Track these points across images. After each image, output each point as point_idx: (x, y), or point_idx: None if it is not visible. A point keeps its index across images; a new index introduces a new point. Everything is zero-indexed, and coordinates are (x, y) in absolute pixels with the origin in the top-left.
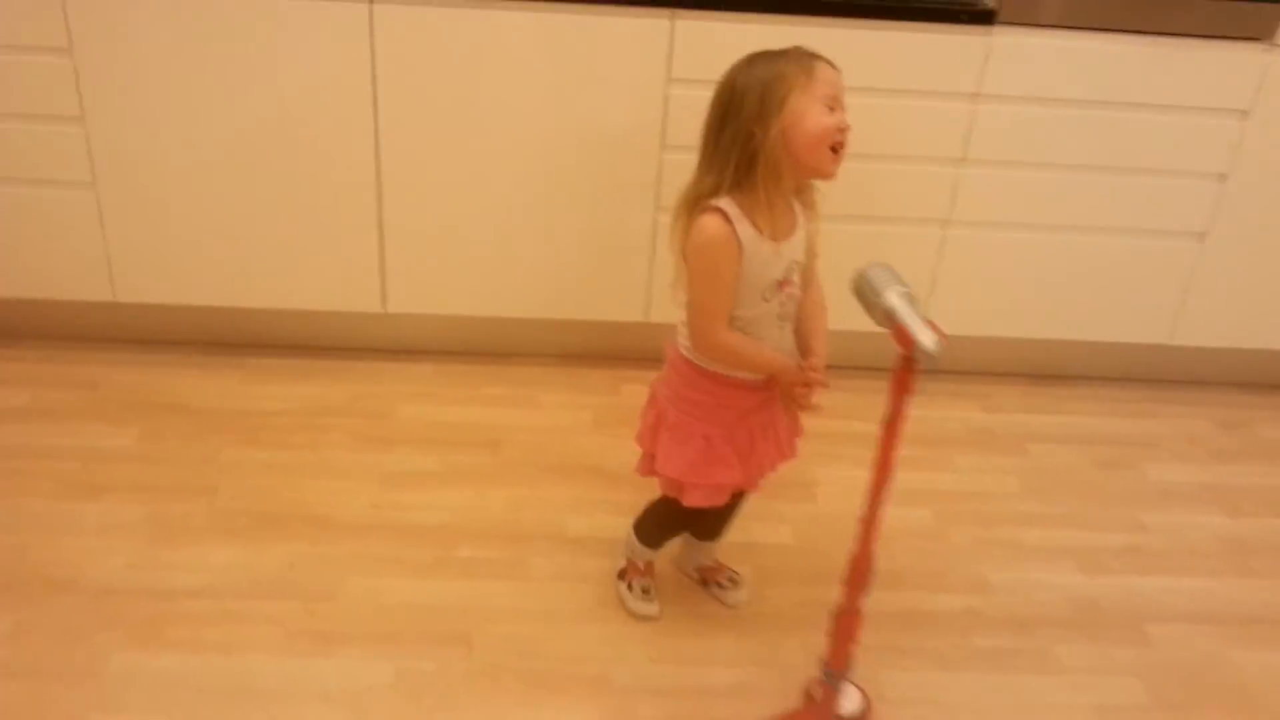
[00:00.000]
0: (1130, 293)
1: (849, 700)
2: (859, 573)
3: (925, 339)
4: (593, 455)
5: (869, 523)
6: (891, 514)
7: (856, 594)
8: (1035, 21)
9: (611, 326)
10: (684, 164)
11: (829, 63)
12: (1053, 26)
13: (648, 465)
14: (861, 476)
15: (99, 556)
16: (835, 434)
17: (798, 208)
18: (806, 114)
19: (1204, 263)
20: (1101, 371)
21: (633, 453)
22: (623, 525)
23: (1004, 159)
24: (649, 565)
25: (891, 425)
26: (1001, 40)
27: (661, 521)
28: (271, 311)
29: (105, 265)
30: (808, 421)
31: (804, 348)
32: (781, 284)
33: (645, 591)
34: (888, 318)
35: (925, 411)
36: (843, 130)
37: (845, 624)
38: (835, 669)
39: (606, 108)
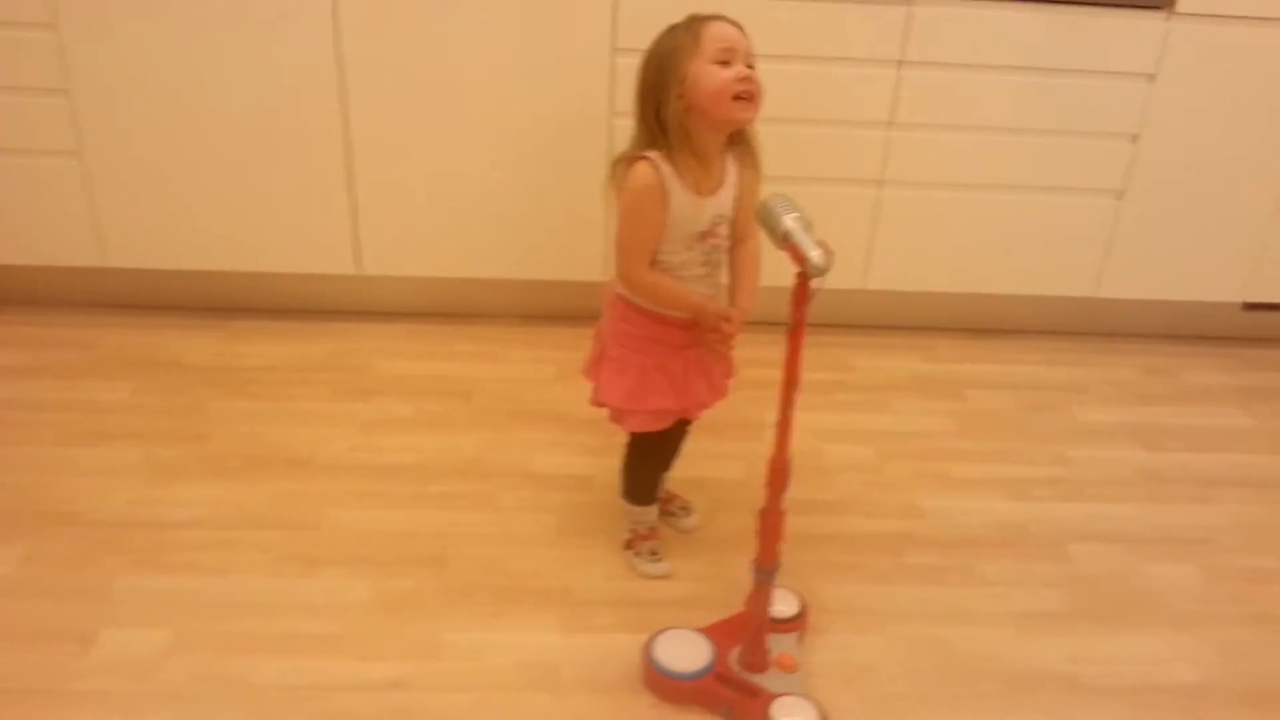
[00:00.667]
0: (1057, 248)
1: (787, 604)
2: (778, 474)
3: (814, 255)
4: (556, 403)
5: (783, 427)
6: (834, 452)
7: (777, 494)
8: None
9: (572, 286)
10: (631, 129)
11: (724, 19)
12: None
13: (596, 396)
14: (805, 419)
15: (100, 494)
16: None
17: (731, 164)
18: (701, 76)
19: (1123, 219)
20: (1035, 324)
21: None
22: (582, 464)
23: (931, 122)
24: (652, 529)
25: (794, 334)
26: (922, 10)
27: (634, 470)
28: (253, 275)
29: (94, 231)
30: (758, 372)
31: (730, 298)
32: (704, 235)
33: (653, 553)
34: (784, 239)
35: (870, 362)
36: (742, 79)
37: (769, 523)
38: (764, 565)
39: (559, 78)
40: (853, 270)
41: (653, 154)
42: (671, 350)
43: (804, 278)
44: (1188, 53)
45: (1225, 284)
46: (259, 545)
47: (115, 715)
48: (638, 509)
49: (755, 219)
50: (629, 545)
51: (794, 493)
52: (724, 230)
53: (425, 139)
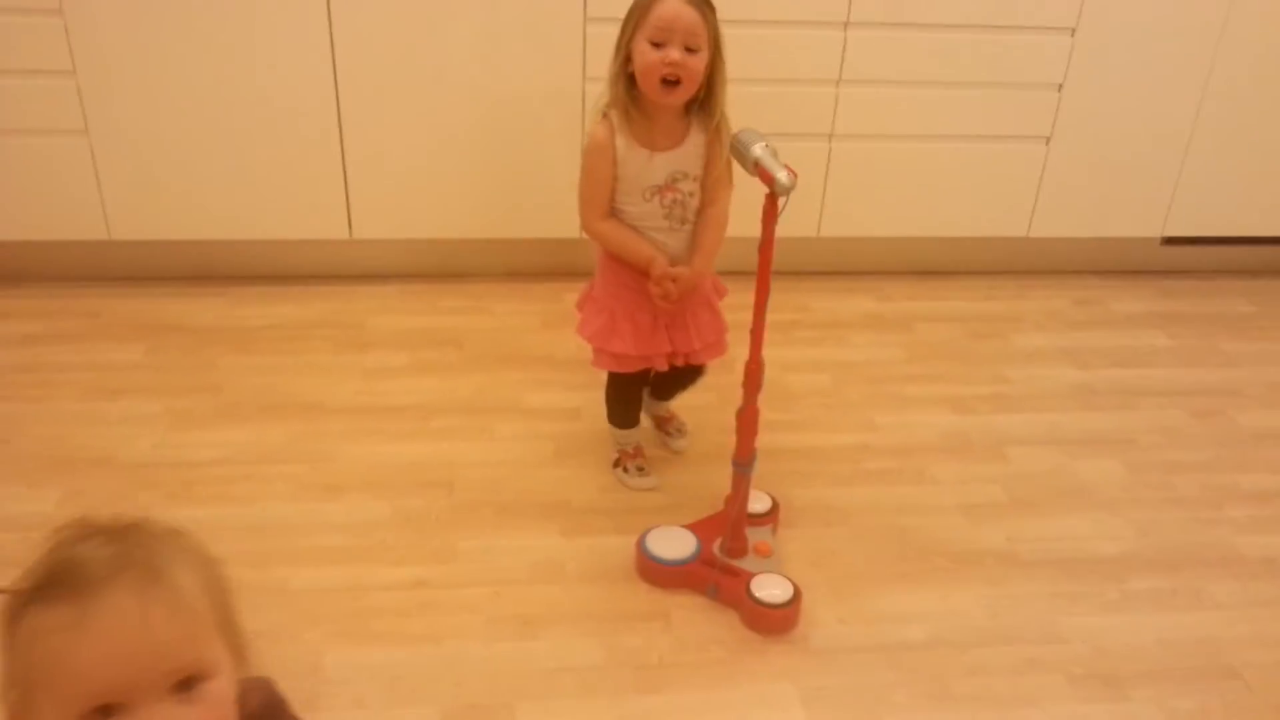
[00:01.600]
0: (992, 192)
1: (761, 502)
2: (753, 375)
3: (781, 175)
4: (542, 348)
5: (756, 333)
6: (796, 380)
7: (752, 394)
8: None
9: (550, 243)
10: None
11: (682, 1)
12: None
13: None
14: (769, 354)
15: (127, 441)
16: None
17: (696, 126)
18: (637, 50)
19: (1051, 163)
20: (976, 265)
21: (577, 344)
22: (570, 398)
23: (875, 79)
24: (637, 448)
25: (764, 248)
26: None
27: (610, 400)
28: (252, 242)
29: (100, 207)
30: (730, 316)
31: (688, 258)
32: (661, 189)
33: (640, 469)
34: (755, 165)
35: (826, 303)
36: (668, 64)
37: (746, 421)
38: (742, 460)
39: (535, 47)
40: (808, 219)
41: (612, 111)
42: (643, 301)
43: (772, 198)
44: (1104, 8)
45: (1145, 220)
46: (282, 477)
47: None
48: (620, 432)
49: (730, 152)
50: (616, 464)
51: (763, 414)
52: (686, 187)
53: (410, 111)
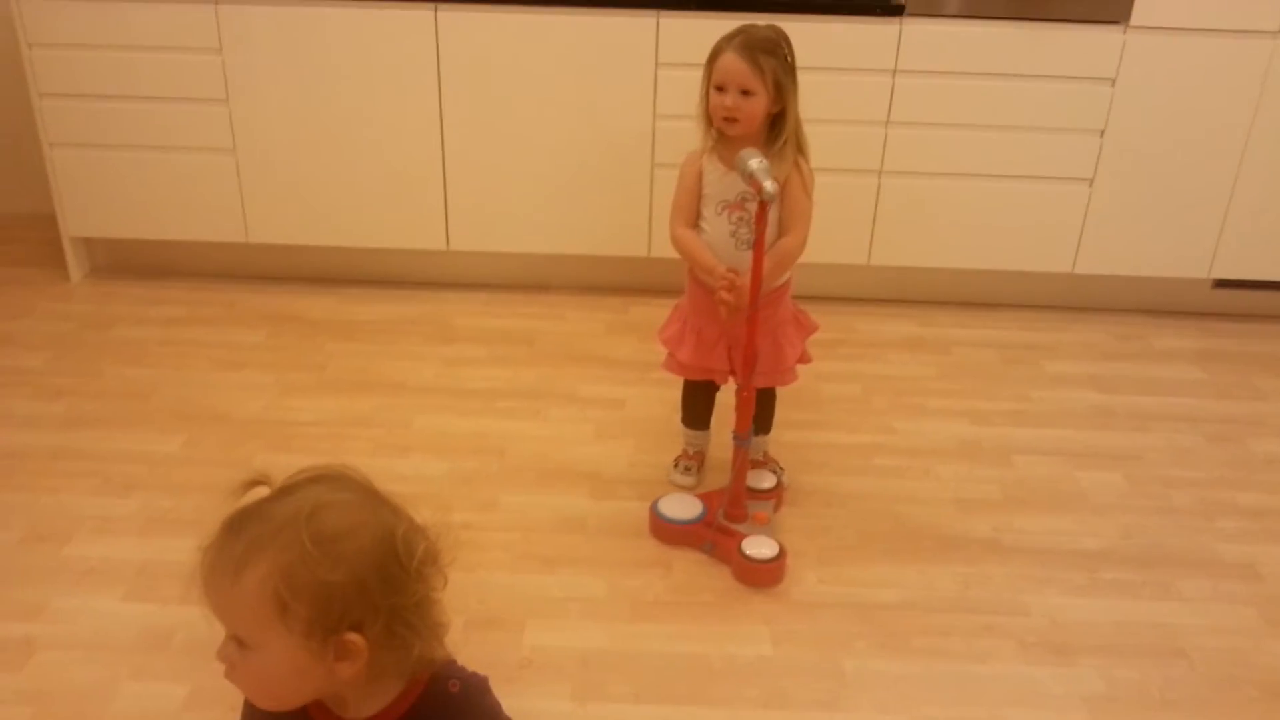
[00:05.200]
0: (1037, 229)
1: (766, 480)
2: (748, 359)
3: (768, 185)
4: (603, 350)
5: (751, 321)
6: (829, 388)
7: (748, 374)
8: (938, 13)
9: (622, 261)
10: (672, 129)
11: (733, 52)
12: (952, 16)
13: None
14: (807, 367)
15: (242, 403)
16: None
17: (772, 155)
18: (706, 95)
19: (1094, 203)
20: (1020, 299)
21: (634, 349)
22: (618, 391)
23: (922, 121)
24: (699, 453)
25: (758, 245)
26: (910, 28)
27: (682, 400)
28: (364, 250)
29: (240, 214)
30: None
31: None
32: (731, 206)
33: (687, 469)
34: (749, 176)
35: (871, 326)
36: (721, 108)
37: (744, 399)
38: (741, 434)
39: (613, 85)
40: (858, 249)
41: (708, 139)
42: (710, 318)
43: (763, 204)
44: (1142, 59)
45: (1192, 262)
46: (363, 437)
47: None
48: (687, 431)
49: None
50: (676, 461)
51: (787, 414)
52: (753, 209)
53: (503, 141)
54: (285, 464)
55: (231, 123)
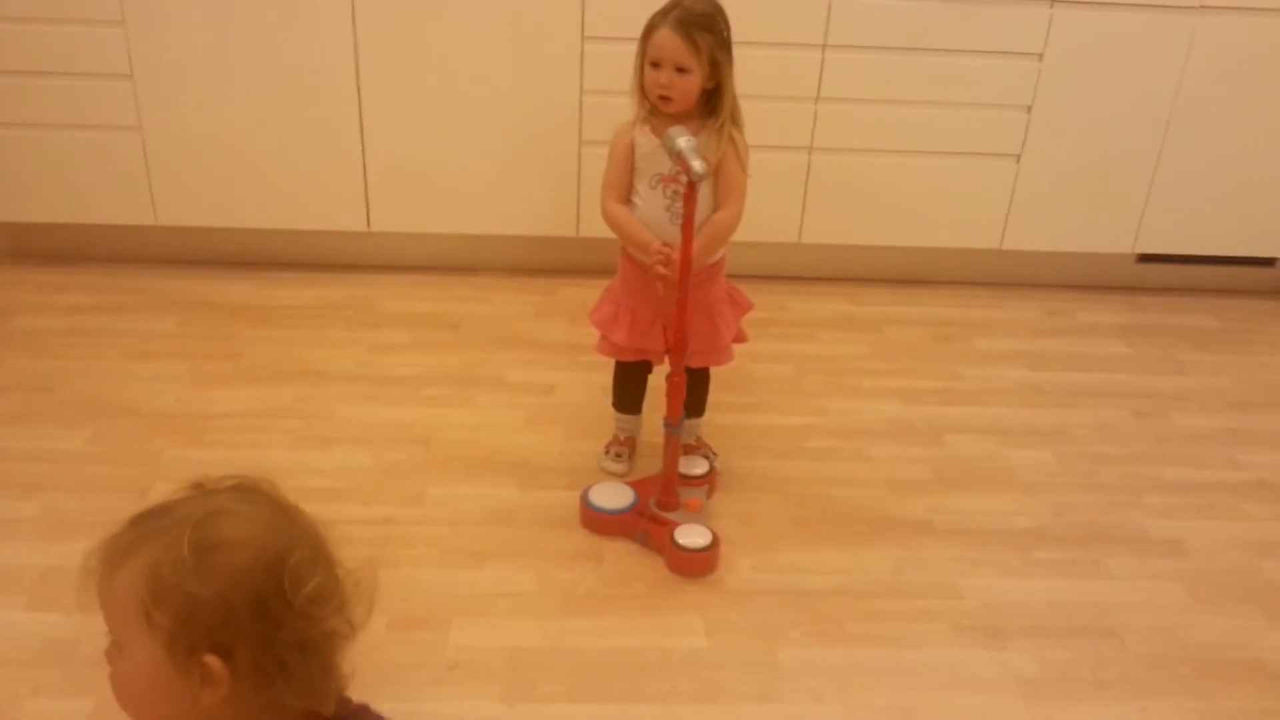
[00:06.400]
0: (964, 205)
1: (699, 466)
2: (679, 344)
3: (696, 164)
4: (531, 333)
5: (680, 304)
6: (761, 369)
7: (679, 360)
8: None
9: (550, 240)
10: (600, 104)
11: (669, 28)
12: None
13: None
14: (740, 347)
15: (153, 395)
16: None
17: (706, 128)
18: (644, 69)
19: (1021, 179)
20: (951, 275)
21: (564, 331)
22: (548, 375)
23: (852, 97)
24: (629, 438)
25: (686, 225)
26: (839, 2)
27: (613, 384)
28: (281, 231)
29: (148, 195)
30: None
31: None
32: (665, 179)
33: (618, 456)
34: (678, 156)
35: (802, 304)
36: (656, 84)
37: (675, 384)
38: (672, 421)
39: (538, 59)
40: (789, 227)
41: (640, 111)
42: (645, 297)
43: (691, 184)
44: (1068, 34)
45: (1116, 237)
46: (282, 429)
47: None
48: (618, 416)
49: (663, 146)
50: (607, 447)
51: (720, 397)
52: (684, 180)
53: (425, 116)
54: (199, 460)
55: (136, 98)
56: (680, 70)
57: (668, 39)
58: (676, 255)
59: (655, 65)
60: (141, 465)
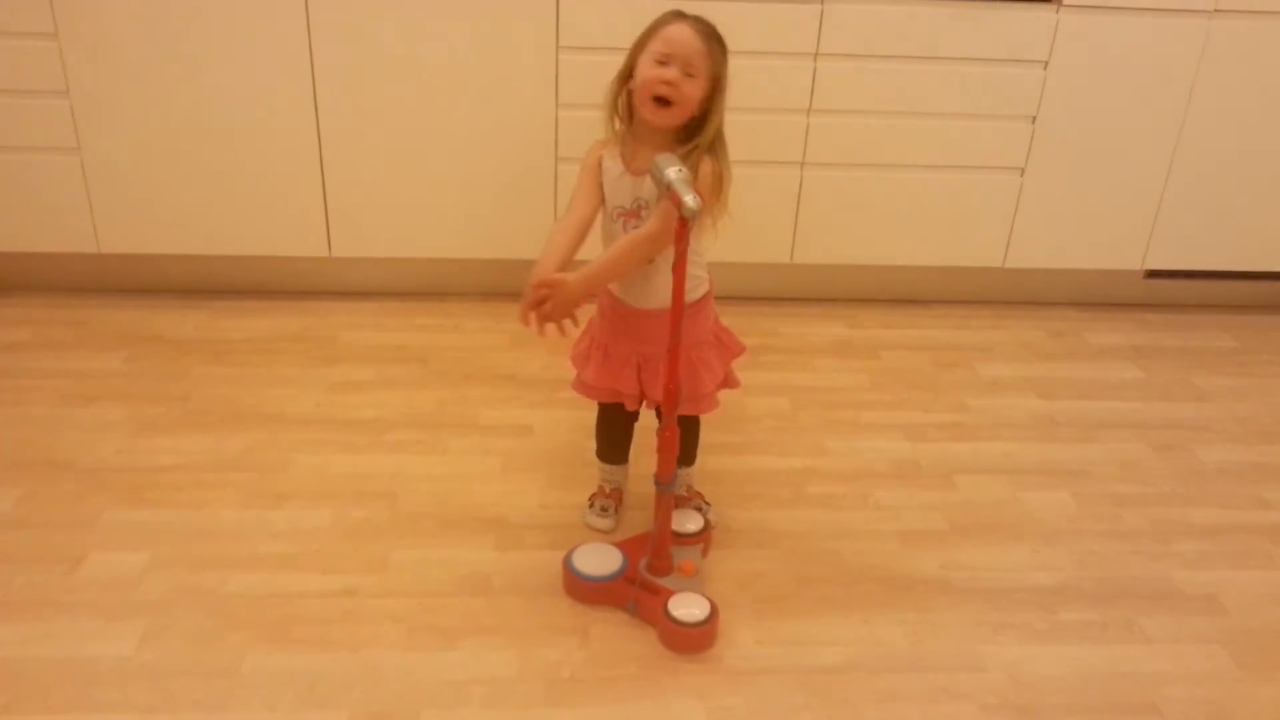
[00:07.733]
0: (965, 222)
1: (693, 522)
2: (670, 397)
3: (689, 199)
4: (506, 367)
5: (672, 353)
6: (754, 403)
7: (670, 414)
8: None
9: (525, 264)
10: (576, 119)
11: (686, 24)
12: None
13: None
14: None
15: (91, 446)
16: None
17: (678, 151)
18: (642, 65)
19: (1025, 194)
20: (950, 294)
21: (541, 364)
22: (526, 415)
23: (846, 109)
24: (615, 490)
25: (678, 266)
26: (832, 8)
27: (596, 430)
28: (234, 258)
29: (89, 221)
30: None
31: (642, 294)
32: (626, 213)
33: (603, 510)
34: (667, 188)
35: (796, 329)
36: (661, 81)
37: (666, 440)
38: (663, 479)
39: (511, 73)
40: (780, 246)
41: (614, 133)
42: (618, 334)
43: (684, 221)
44: (1076, 41)
45: (1124, 253)
46: (232, 484)
47: (99, 620)
48: (602, 466)
49: (650, 174)
50: (591, 500)
51: (711, 437)
52: (646, 215)
53: (387, 135)
54: (138, 522)
55: (74, 117)
56: (687, 74)
57: (686, 34)
58: (549, 294)
59: (662, 63)
60: (75, 531)
